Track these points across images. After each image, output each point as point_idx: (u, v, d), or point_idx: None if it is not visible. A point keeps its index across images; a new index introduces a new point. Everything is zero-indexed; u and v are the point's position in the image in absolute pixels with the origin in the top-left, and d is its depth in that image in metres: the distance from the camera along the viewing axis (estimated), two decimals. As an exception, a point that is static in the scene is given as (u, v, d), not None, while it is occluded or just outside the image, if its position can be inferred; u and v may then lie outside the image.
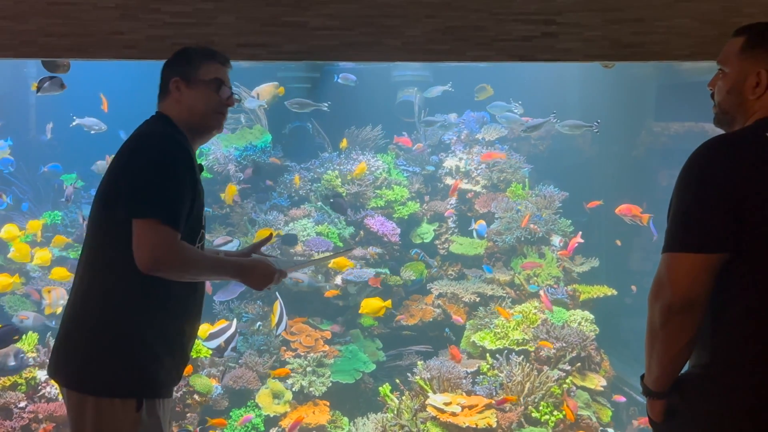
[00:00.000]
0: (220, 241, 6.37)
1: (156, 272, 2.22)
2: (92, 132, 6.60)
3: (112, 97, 6.92)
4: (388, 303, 6.06)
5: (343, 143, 7.56)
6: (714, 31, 3.33)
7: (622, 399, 5.80)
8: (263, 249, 2.87)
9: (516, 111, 7.13)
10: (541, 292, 6.30)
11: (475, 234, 6.92)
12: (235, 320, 5.55)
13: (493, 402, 5.21)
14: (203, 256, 2.42)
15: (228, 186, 7.08)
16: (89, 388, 2.31)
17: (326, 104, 6.80)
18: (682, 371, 2.06)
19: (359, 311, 6.13)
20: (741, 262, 1.92)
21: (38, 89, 4.88)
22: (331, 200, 6.85)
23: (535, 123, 6.57)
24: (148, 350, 2.36)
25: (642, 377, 2.14)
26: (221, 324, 5.33)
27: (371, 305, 5.98)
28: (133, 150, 2.38)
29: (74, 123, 6.61)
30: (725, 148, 1.98)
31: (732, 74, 2.16)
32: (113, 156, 2.46)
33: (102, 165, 7.22)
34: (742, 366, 1.94)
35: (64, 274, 6.06)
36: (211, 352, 5.62)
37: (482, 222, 6.99)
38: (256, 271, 2.53)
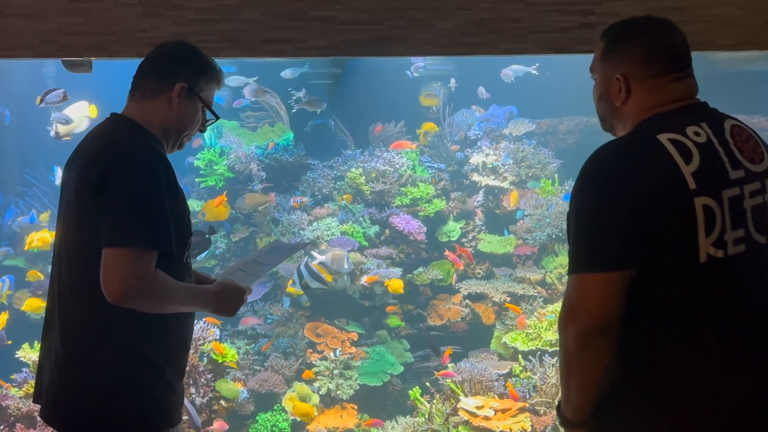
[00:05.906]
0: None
1: (126, 303, 2.03)
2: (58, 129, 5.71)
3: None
4: None
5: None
6: (760, 20, 3.22)
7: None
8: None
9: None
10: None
11: None
12: None
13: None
14: (177, 286, 2.17)
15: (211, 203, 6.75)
16: None
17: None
18: None
19: None
20: (648, 275, 1.76)
21: (41, 101, 4.90)
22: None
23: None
24: (162, 378, 2.21)
25: (558, 407, 1.96)
26: None
27: None
28: (110, 170, 2.10)
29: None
30: (619, 155, 1.82)
31: (598, 81, 2.07)
32: (74, 164, 2.24)
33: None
34: (654, 385, 1.79)
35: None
36: (237, 357, 5.56)
37: None
38: (230, 296, 2.37)
